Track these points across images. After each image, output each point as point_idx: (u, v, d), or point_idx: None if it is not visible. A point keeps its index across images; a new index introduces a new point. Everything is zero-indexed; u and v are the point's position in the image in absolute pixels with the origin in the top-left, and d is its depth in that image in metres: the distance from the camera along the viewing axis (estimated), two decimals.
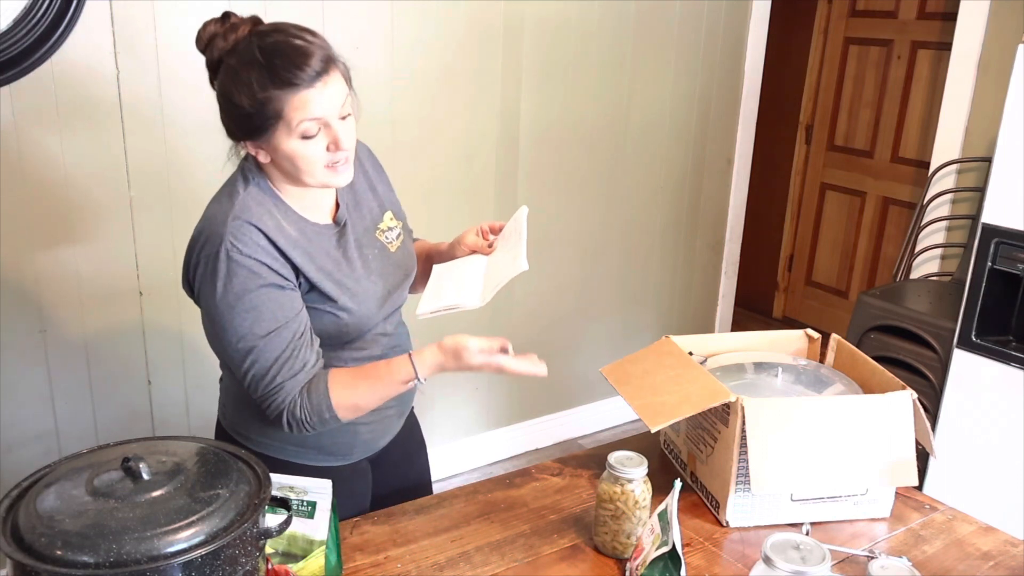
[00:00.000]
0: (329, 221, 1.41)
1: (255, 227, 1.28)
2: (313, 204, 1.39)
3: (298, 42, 1.24)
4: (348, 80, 1.31)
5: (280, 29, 1.26)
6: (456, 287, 1.45)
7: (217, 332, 1.30)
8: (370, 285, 1.41)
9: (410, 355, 1.33)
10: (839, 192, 4.32)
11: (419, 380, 1.33)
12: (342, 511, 1.37)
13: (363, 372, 1.36)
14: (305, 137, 1.26)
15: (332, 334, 1.38)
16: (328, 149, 1.28)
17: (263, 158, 1.31)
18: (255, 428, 1.43)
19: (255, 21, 1.29)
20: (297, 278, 1.33)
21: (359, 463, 1.52)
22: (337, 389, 1.31)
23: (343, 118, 1.29)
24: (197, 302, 1.34)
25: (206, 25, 1.28)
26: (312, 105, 1.24)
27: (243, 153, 1.37)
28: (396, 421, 1.56)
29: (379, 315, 1.43)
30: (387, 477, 1.59)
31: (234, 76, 1.24)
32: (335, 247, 1.39)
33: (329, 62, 1.25)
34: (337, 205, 1.44)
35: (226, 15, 1.28)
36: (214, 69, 1.29)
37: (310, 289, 1.35)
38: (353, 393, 1.32)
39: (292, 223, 1.34)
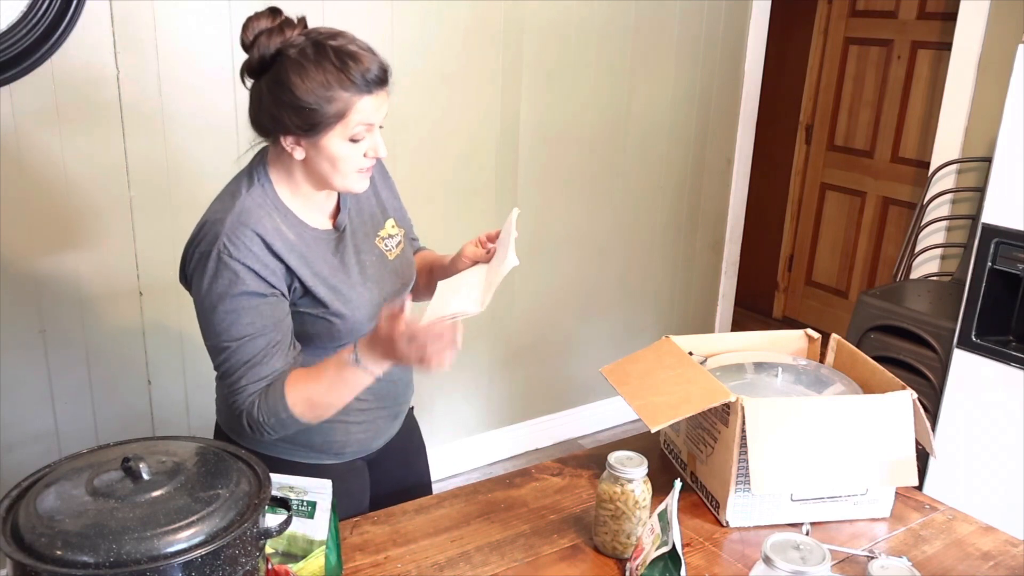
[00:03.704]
0: (329, 226, 1.42)
1: (252, 231, 1.29)
2: (316, 209, 1.40)
3: (360, 49, 1.28)
4: None
5: (342, 34, 1.29)
6: (457, 297, 1.44)
7: (201, 326, 1.34)
8: (365, 291, 1.41)
9: (356, 343, 1.30)
10: (839, 192, 4.32)
11: (356, 357, 1.28)
12: (339, 509, 1.37)
13: (316, 367, 1.34)
14: (353, 140, 1.30)
15: (325, 337, 1.39)
16: (366, 155, 1.32)
17: (298, 155, 1.32)
18: None
19: (305, 23, 1.32)
20: (291, 283, 1.34)
21: (354, 462, 1.52)
22: (291, 386, 1.31)
23: (380, 127, 1.34)
24: (190, 294, 1.36)
25: (257, 17, 1.28)
26: (370, 111, 1.29)
27: (256, 151, 1.39)
28: (391, 422, 1.55)
29: (373, 321, 1.43)
30: (385, 478, 1.59)
31: (300, 70, 1.25)
32: (332, 252, 1.40)
33: (386, 73, 1.30)
34: (338, 210, 1.44)
35: (275, 11, 1.30)
36: (265, 62, 1.29)
37: (304, 294, 1.35)
38: (305, 387, 1.31)
39: (291, 227, 1.35)
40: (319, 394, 1.32)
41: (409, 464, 1.68)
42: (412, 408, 1.68)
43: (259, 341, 1.30)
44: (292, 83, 1.26)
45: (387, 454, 1.59)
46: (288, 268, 1.32)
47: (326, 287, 1.36)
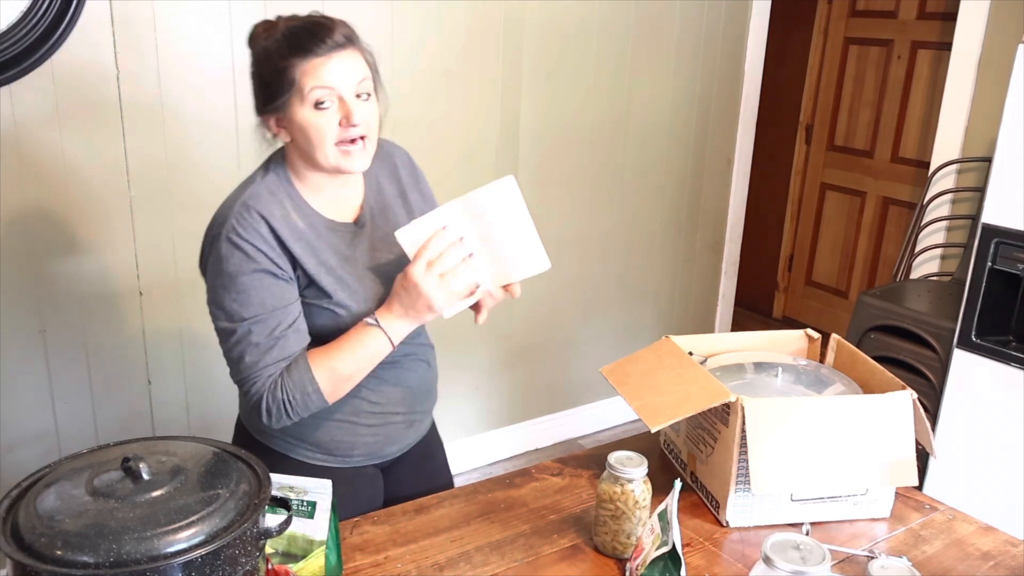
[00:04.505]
0: (349, 220, 1.43)
1: (259, 214, 1.32)
2: (335, 202, 1.42)
3: (315, 18, 1.31)
4: (372, 67, 1.35)
5: (309, 14, 1.33)
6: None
7: (212, 311, 1.35)
8: (373, 286, 1.41)
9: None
10: (839, 192, 4.32)
11: (376, 321, 1.34)
12: (345, 514, 1.37)
13: (336, 340, 1.37)
14: (318, 107, 1.29)
15: (332, 330, 1.39)
16: (340, 124, 1.31)
17: (284, 137, 1.35)
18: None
19: (292, 19, 1.36)
20: (295, 270, 1.35)
21: (364, 468, 1.52)
22: (315, 359, 1.34)
23: (360, 96, 1.32)
24: (204, 280, 1.38)
25: (255, 25, 1.36)
26: (323, 72, 1.28)
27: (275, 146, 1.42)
28: (405, 430, 1.54)
29: None
30: (401, 488, 1.56)
31: (262, 51, 1.32)
32: (346, 245, 1.41)
33: (349, 40, 1.31)
34: (363, 208, 1.45)
35: (278, 18, 1.36)
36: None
37: (308, 284, 1.36)
38: (328, 358, 1.34)
39: (303, 216, 1.37)
40: (343, 364, 1.34)
41: (429, 476, 1.64)
42: (433, 421, 1.67)
43: (270, 321, 1.31)
44: (254, 65, 1.33)
45: (404, 464, 1.58)
46: (291, 256, 1.34)
47: (331, 276, 1.37)
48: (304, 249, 1.34)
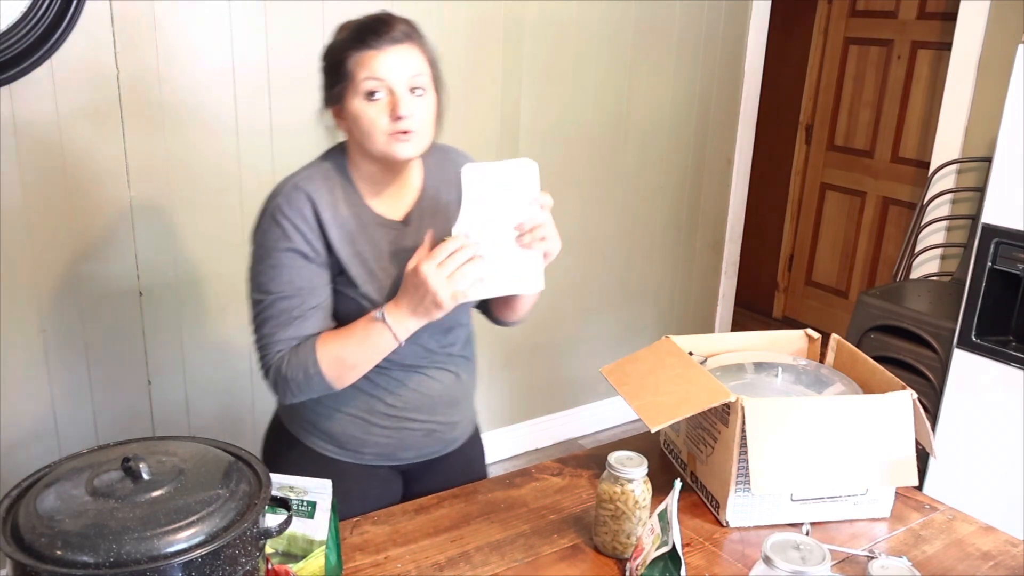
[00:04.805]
0: (398, 219, 1.44)
1: (306, 195, 1.36)
2: (387, 197, 1.43)
3: (384, 16, 1.35)
4: (432, 64, 1.38)
5: (378, 11, 1.37)
6: (502, 266, 1.37)
7: (248, 278, 1.40)
8: None
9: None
10: (839, 192, 4.32)
11: (383, 316, 1.32)
12: (353, 512, 1.37)
13: (346, 327, 1.38)
14: (369, 98, 1.32)
15: (355, 319, 1.39)
16: (389, 116, 1.33)
17: (344, 128, 1.39)
18: (291, 411, 1.51)
19: (363, 17, 1.40)
20: (330, 256, 1.38)
21: (377, 468, 1.52)
22: (321, 343, 1.36)
23: (414, 91, 1.34)
24: None
25: (338, 25, 1.40)
26: (375, 64, 1.31)
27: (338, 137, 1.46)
28: (422, 438, 1.53)
29: None
30: (420, 493, 1.54)
31: (330, 45, 1.37)
32: (388, 242, 1.42)
33: (408, 37, 1.34)
34: (414, 207, 1.46)
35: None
36: None
37: (340, 271, 1.39)
38: (334, 344, 1.35)
39: (351, 206, 1.39)
40: (347, 352, 1.36)
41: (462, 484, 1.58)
42: (471, 436, 1.66)
43: (294, 301, 1.35)
44: (322, 59, 1.38)
45: (430, 472, 1.57)
46: (328, 241, 1.36)
47: (363, 268, 1.38)
48: (342, 237, 1.37)
